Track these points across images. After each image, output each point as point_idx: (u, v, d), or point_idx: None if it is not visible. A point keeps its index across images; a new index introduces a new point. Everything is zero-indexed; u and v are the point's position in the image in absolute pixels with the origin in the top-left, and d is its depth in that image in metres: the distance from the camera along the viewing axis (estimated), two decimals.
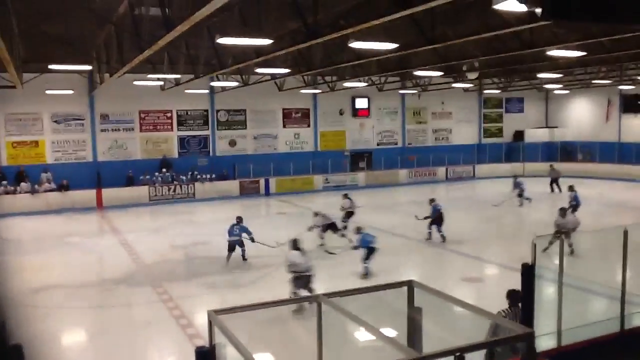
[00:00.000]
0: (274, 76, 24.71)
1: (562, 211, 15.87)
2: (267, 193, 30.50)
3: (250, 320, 5.06)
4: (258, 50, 14.39)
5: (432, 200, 19.10)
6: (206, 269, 15.76)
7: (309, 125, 33.91)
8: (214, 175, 30.16)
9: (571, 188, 21.63)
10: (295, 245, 12.30)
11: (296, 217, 23.91)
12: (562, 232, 14.55)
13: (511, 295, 7.55)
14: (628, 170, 32.09)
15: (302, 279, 11.67)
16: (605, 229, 13.43)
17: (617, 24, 7.79)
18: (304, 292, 11.26)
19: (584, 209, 24.09)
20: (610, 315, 7.91)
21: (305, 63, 19.46)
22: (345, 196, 20.87)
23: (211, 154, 31.43)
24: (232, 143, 31.97)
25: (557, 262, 7.26)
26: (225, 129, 31.73)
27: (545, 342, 7.23)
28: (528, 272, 6.18)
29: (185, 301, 12.81)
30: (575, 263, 13.73)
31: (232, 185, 30.19)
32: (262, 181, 30.80)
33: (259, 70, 19.88)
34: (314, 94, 32.62)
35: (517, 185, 25.23)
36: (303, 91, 30.30)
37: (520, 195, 25.00)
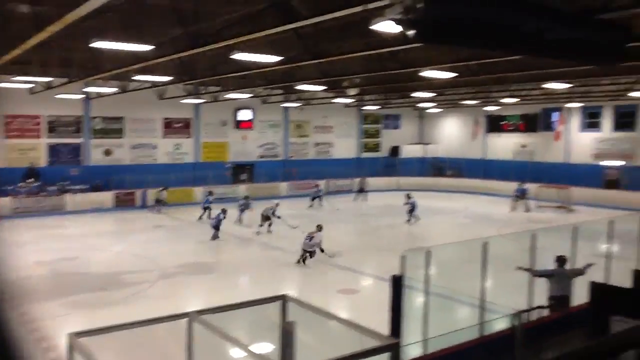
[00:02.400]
0: (154, 84, 23.91)
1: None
2: (144, 205, 29.32)
3: (119, 341, 4.80)
4: (137, 56, 13.88)
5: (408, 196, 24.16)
6: (74, 286, 14.75)
7: (190, 136, 33.14)
8: (87, 186, 28.49)
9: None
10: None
11: (175, 230, 23.26)
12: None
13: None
14: (492, 185, 34.59)
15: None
16: (468, 241, 14.31)
17: (479, 48, 8.44)
18: None
19: (451, 221, 25.67)
20: (472, 323, 8.42)
21: (187, 72, 19.02)
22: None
23: (84, 163, 29.69)
24: (108, 152, 30.44)
25: (430, 272, 7.63)
26: (100, 138, 30.12)
27: (414, 351, 7.55)
28: (397, 283, 6.41)
29: (48, 322, 11.87)
30: (443, 273, 14.50)
31: (107, 197, 28.70)
32: (139, 193, 29.56)
33: (139, 77, 19.17)
34: (197, 104, 31.98)
35: (409, 203, 25.04)
36: (185, 101, 29.58)
37: (410, 211, 24.85)
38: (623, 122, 31.98)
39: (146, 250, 18.57)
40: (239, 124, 34.73)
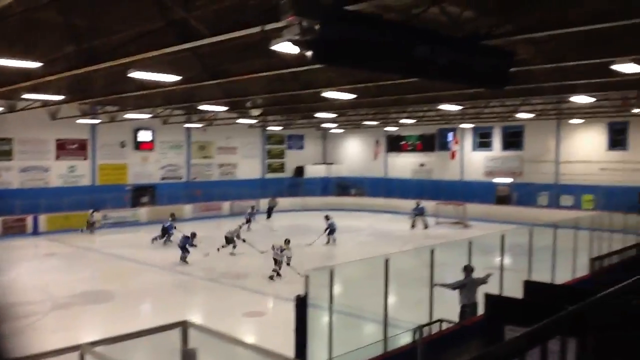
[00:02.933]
0: (46, 103, 22.67)
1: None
2: (36, 232, 27.53)
3: None
4: (26, 74, 13.09)
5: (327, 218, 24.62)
6: None
7: (86, 158, 31.57)
8: None
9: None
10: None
11: (70, 258, 21.99)
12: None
13: (466, 268, 11.17)
14: (393, 203, 35.66)
15: None
16: (371, 258, 14.59)
17: (374, 71, 8.73)
18: None
19: (355, 240, 26.11)
20: (376, 339, 8.54)
21: (82, 90, 18.19)
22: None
23: None
24: None
25: (334, 292, 7.66)
26: None
27: None
28: (301, 304, 6.38)
29: None
30: (347, 291, 14.67)
31: None
32: (29, 219, 27.73)
33: (28, 95, 18.09)
34: (93, 124, 30.57)
35: (328, 224, 25.08)
36: (80, 121, 28.23)
37: (330, 232, 24.83)
38: (511, 141, 34.19)
39: (37, 280, 17.37)
40: (139, 145, 33.56)
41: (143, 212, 32.14)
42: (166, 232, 24.67)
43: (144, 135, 33.56)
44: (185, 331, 5.42)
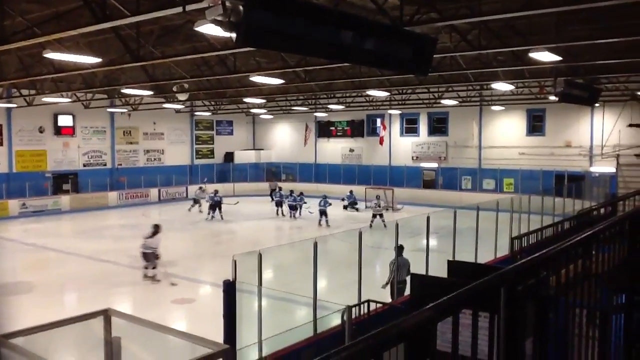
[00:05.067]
0: None
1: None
2: None
3: None
4: None
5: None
6: None
7: (1, 144, 29.87)
8: None
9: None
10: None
11: None
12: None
13: (399, 248, 11.60)
14: (324, 188, 35.72)
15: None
16: (300, 241, 14.68)
17: (299, 54, 8.73)
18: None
19: (286, 225, 26.15)
20: (306, 321, 8.61)
21: None
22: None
23: None
24: None
25: (266, 277, 7.64)
26: None
27: (250, 355, 7.53)
28: (229, 289, 6.33)
29: None
30: (278, 275, 14.71)
31: None
32: None
33: None
34: (8, 109, 28.92)
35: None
36: None
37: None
38: (436, 127, 35.13)
39: None
40: (59, 131, 32.04)
41: (65, 200, 30.86)
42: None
43: (65, 120, 32.06)
44: (108, 320, 5.26)
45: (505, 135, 32.10)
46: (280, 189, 31.32)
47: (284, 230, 25.63)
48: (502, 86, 19.95)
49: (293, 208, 28.05)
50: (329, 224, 24.94)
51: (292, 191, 29.06)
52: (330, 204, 25.81)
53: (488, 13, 8.66)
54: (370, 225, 23.97)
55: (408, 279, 10.45)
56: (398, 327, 1.74)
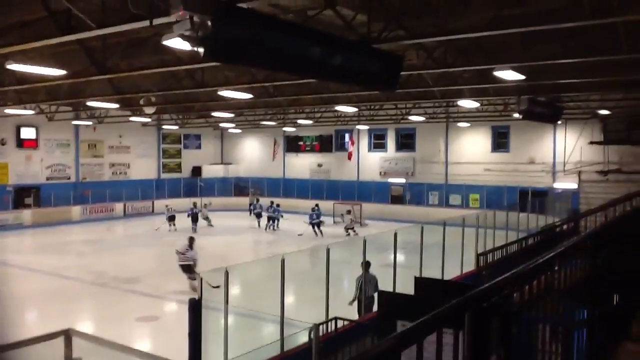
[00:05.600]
0: None
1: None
2: None
3: None
4: None
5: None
6: None
7: None
8: None
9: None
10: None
11: None
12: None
13: (366, 264, 11.59)
14: (291, 202, 35.67)
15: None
16: (267, 258, 14.57)
17: (267, 69, 8.73)
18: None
19: (254, 239, 25.98)
20: (274, 339, 8.52)
21: None
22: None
23: None
24: None
25: (233, 293, 7.53)
26: None
27: None
28: (194, 307, 6.23)
29: None
30: (245, 291, 14.54)
31: None
32: None
33: None
34: None
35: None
36: None
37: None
38: (404, 143, 35.48)
39: None
40: (22, 143, 31.30)
41: (27, 215, 30.06)
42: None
43: (27, 133, 31.35)
44: (69, 340, 5.10)
45: (471, 151, 32.60)
46: (258, 200, 31.62)
47: (253, 245, 25.43)
48: (467, 103, 20.30)
49: (271, 219, 28.57)
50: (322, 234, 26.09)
51: (272, 202, 29.74)
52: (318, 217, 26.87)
53: (454, 32, 8.81)
54: (349, 234, 25.82)
55: (375, 295, 10.55)
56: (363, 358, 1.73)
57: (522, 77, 13.01)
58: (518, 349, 3.47)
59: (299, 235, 25.73)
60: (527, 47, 11.64)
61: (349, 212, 27.91)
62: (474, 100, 19.98)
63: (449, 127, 32.86)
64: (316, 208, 28.42)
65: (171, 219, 28.44)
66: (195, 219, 28.33)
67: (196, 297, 6.97)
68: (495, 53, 12.26)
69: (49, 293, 16.05)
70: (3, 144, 30.62)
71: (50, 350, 5.42)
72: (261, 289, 14.51)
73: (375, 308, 9.58)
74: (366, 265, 11.91)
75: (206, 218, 28.55)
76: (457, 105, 23.02)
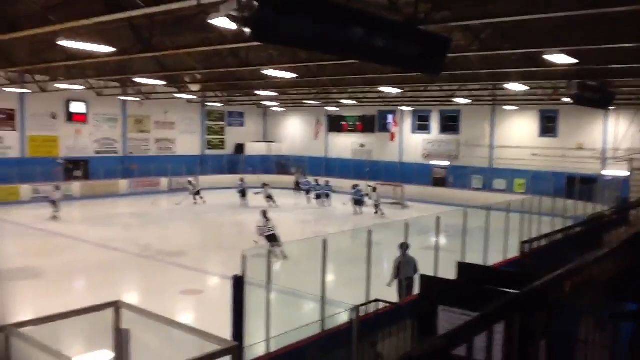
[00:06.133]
0: None
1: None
2: None
3: None
4: None
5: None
6: None
7: (14, 129, 30.08)
8: None
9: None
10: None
11: None
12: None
13: (402, 245, 11.63)
14: (333, 182, 35.75)
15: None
16: (311, 238, 14.67)
17: (312, 50, 8.66)
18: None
19: (295, 218, 26.17)
20: (314, 318, 8.60)
21: (7, 58, 17.21)
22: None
23: None
24: None
25: (274, 270, 7.62)
26: None
27: (258, 350, 7.54)
28: (238, 284, 6.32)
29: None
30: (287, 270, 14.72)
31: None
32: None
33: None
34: (21, 94, 29.09)
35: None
36: (7, 89, 26.79)
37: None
38: (448, 125, 34.93)
39: None
40: (72, 117, 32.22)
41: (76, 187, 31.04)
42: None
43: (77, 107, 32.24)
44: (118, 311, 5.27)
45: (517, 135, 31.87)
46: (305, 177, 33.08)
47: (297, 223, 25.60)
48: (515, 86, 19.78)
49: (321, 196, 29.97)
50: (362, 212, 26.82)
51: (317, 180, 31.39)
52: (363, 194, 27.58)
53: (501, 14, 8.54)
54: (382, 214, 26.39)
55: (417, 276, 10.64)
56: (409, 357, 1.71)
57: (574, 61, 12.57)
58: (560, 339, 3.40)
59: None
60: (578, 30, 11.23)
61: (374, 189, 28.25)
62: (522, 84, 19.45)
63: (495, 110, 32.16)
64: (358, 187, 28.52)
65: (197, 193, 29.36)
66: (243, 194, 29.13)
67: (239, 273, 7.08)
68: (544, 36, 11.86)
69: (96, 263, 16.57)
70: (54, 118, 31.56)
71: (100, 320, 5.62)
72: (302, 267, 14.65)
73: (415, 291, 9.57)
74: (404, 247, 11.91)
75: (269, 197, 28.17)
76: (504, 88, 22.46)
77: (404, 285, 11.70)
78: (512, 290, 6.10)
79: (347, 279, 13.10)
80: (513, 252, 14.54)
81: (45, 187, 27.74)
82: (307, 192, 31.00)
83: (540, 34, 11.82)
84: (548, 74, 17.81)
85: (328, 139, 40.31)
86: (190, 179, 31.11)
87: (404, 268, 11.80)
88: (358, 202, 27.61)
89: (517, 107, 30.44)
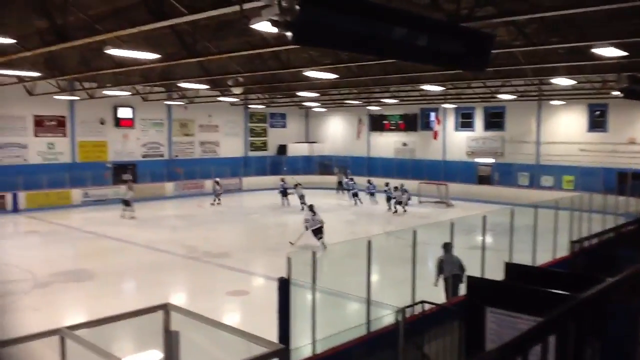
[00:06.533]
0: (21, 79, 22.18)
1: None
2: (16, 209, 27.16)
3: None
4: (1, 49, 12.75)
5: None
6: None
7: (65, 135, 31.08)
8: None
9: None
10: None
11: (50, 236, 21.77)
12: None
13: (445, 245, 11.62)
14: (376, 182, 35.66)
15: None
16: (355, 239, 14.63)
17: (354, 52, 8.62)
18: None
19: (338, 218, 26.19)
20: (360, 319, 8.58)
21: (58, 67, 17.81)
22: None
23: None
24: None
25: (319, 271, 7.63)
26: None
27: (304, 351, 7.57)
28: (283, 286, 6.35)
29: None
30: (331, 271, 14.71)
31: None
32: (9, 196, 27.32)
33: (2, 71, 17.69)
34: (71, 101, 30.04)
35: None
36: (58, 97, 27.70)
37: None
38: (493, 122, 34.29)
39: (18, 258, 17.18)
40: (119, 122, 33.11)
41: (124, 190, 31.79)
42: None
43: (124, 112, 33.10)
44: (167, 314, 5.38)
45: (565, 130, 31.04)
46: (352, 179, 32.94)
47: (340, 223, 25.61)
48: (562, 81, 19.28)
49: (357, 195, 30.59)
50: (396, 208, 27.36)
51: (352, 178, 32.44)
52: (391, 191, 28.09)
53: (548, 9, 8.33)
54: (396, 211, 26.70)
55: (465, 276, 10.54)
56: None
57: (624, 53, 12.16)
58: (616, 342, 3.30)
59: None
60: (627, 23, 10.85)
61: (396, 188, 28.34)
62: (569, 78, 18.93)
63: (541, 105, 31.41)
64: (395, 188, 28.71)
65: (218, 194, 29.97)
66: (285, 194, 29.80)
67: (285, 275, 7.12)
68: (593, 29, 11.52)
69: (145, 265, 16.96)
70: (102, 124, 32.48)
71: (150, 321, 5.75)
72: (346, 268, 14.62)
73: (462, 291, 9.44)
74: (447, 246, 11.83)
75: (301, 197, 28.35)
76: (550, 83, 21.91)
77: (450, 284, 11.65)
78: (562, 292, 5.95)
79: (390, 280, 13.03)
80: (562, 252, 14.16)
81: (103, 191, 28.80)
82: (354, 195, 30.81)
83: (589, 27, 11.48)
84: (596, 67, 17.28)
85: (370, 138, 40.17)
86: (217, 179, 31.46)
87: (447, 267, 11.75)
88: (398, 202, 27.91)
89: (564, 102, 29.65)
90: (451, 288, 11.58)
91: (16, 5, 10.22)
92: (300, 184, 29.42)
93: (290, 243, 18.78)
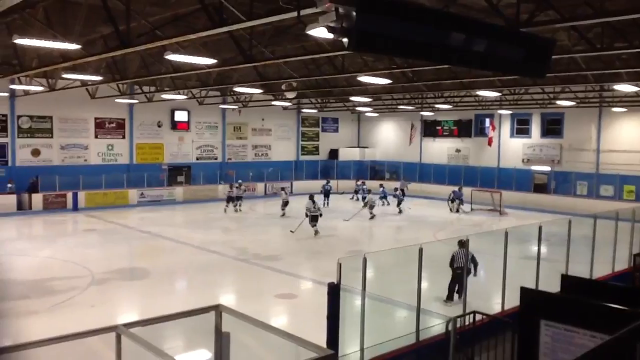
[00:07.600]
0: (84, 83, 23.05)
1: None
2: (76, 208, 28.22)
3: (41, 356, 4.49)
4: (65, 54, 13.30)
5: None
6: None
7: (124, 137, 32.13)
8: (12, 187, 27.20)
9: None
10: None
11: (108, 234, 22.49)
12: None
13: (460, 242, 12.14)
14: (428, 188, 35.36)
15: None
16: (405, 246, 14.48)
17: (410, 58, 8.57)
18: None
19: (388, 224, 26.01)
20: (409, 327, 8.49)
21: (119, 71, 18.43)
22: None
23: (10, 164, 28.25)
24: (36, 152, 29.08)
25: (368, 277, 7.59)
26: (27, 137, 28.75)
27: (355, 358, 7.56)
28: (333, 291, 6.35)
29: None
30: (381, 278, 14.64)
31: (35, 199, 27.39)
32: (69, 195, 28.42)
33: (67, 75, 18.42)
34: (130, 104, 31.06)
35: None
36: (118, 100, 28.66)
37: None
38: (550, 128, 33.35)
39: (76, 255, 17.82)
40: (175, 125, 33.99)
41: (179, 191, 32.62)
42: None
43: (180, 116, 33.96)
44: (219, 314, 5.47)
45: (627, 138, 29.86)
46: (363, 182, 34.15)
47: (383, 229, 25.44)
48: (625, 87, 18.58)
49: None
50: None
51: (363, 182, 33.89)
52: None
53: (613, 13, 8.04)
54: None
55: (472, 268, 11.90)
56: None
57: None
58: None
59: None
60: None
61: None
62: (633, 85, 18.23)
63: (602, 112, 30.35)
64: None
65: (238, 198, 29.26)
66: (327, 195, 31.06)
67: (335, 281, 7.13)
68: None
69: (197, 265, 17.29)
70: (159, 126, 33.41)
71: (200, 321, 5.86)
72: (395, 276, 14.50)
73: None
74: (461, 243, 12.25)
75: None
76: (612, 89, 21.15)
77: (456, 275, 12.34)
78: (621, 307, 5.71)
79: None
80: (622, 265, 13.65)
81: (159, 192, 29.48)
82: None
83: None
84: None
85: (422, 144, 39.76)
86: (240, 181, 31.22)
87: (458, 261, 12.31)
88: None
89: (626, 109, 28.56)
90: (458, 279, 12.23)
91: (82, 12, 10.63)
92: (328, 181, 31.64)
93: (291, 232, 21.66)
